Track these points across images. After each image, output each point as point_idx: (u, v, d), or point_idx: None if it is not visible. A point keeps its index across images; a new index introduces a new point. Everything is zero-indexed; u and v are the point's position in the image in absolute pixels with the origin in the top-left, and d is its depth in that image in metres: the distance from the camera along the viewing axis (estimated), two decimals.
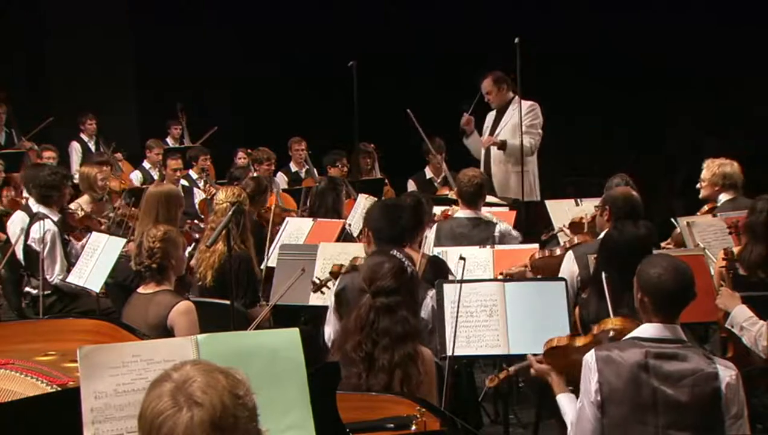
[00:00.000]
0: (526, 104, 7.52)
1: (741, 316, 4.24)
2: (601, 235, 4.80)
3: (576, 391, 3.40)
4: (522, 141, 7.34)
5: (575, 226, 5.80)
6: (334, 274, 4.63)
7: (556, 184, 8.66)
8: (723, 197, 6.04)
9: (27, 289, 6.27)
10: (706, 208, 6.10)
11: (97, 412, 2.42)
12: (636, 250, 4.02)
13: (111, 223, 6.96)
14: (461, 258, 4.25)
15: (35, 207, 6.35)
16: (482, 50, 9.56)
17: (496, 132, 7.65)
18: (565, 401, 3.51)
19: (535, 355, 3.73)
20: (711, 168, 6.12)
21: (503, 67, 7.69)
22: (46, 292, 6.18)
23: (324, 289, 4.78)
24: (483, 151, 7.76)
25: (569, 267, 4.80)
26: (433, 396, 3.64)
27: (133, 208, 7.23)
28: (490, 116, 7.82)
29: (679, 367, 3.16)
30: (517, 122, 7.39)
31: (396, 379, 3.51)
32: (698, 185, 6.25)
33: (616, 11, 10.29)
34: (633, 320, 3.48)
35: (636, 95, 10.23)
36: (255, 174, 8.68)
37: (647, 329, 3.27)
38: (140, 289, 4.36)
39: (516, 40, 7.11)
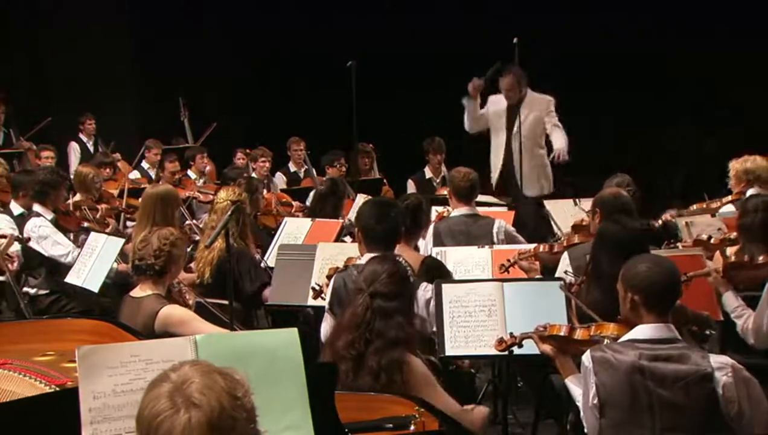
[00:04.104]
0: (545, 98, 7.65)
1: (729, 304, 4.31)
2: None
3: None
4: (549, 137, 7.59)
5: (577, 229, 5.78)
6: (331, 278, 4.63)
7: (555, 184, 8.64)
8: (750, 192, 6.03)
9: (25, 288, 6.27)
10: (730, 198, 6.17)
11: (96, 412, 2.42)
12: (636, 243, 4.05)
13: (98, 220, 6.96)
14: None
15: (17, 209, 6.38)
16: (482, 50, 9.55)
17: (515, 128, 7.64)
18: (572, 386, 3.50)
19: (535, 354, 3.73)
20: (735, 165, 6.20)
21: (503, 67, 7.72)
22: (44, 292, 6.20)
23: (323, 295, 4.78)
24: (504, 146, 7.76)
25: (564, 269, 4.80)
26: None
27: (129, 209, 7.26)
28: (501, 104, 7.78)
29: (675, 369, 3.15)
30: (538, 116, 7.57)
31: (380, 384, 3.50)
32: (729, 184, 6.32)
33: (616, 11, 10.29)
34: (629, 328, 3.47)
35: (636, 95, 10.23)
36: (252, 172, 8.71)
37: (642, 330, 3.26)
38: (132, 293, 4.33)
39: (515, 40, 7.12)
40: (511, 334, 3.81)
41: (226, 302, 4.65)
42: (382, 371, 3.51)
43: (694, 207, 6.22)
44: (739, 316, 4.26)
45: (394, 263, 3.81)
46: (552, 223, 6.35)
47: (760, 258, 4.32)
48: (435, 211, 6.23)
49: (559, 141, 7.53)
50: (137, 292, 4.28)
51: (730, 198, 6.13)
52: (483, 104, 7.90)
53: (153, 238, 4.28)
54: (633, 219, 4.44)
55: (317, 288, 4.82)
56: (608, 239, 4.26)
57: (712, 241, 5.04)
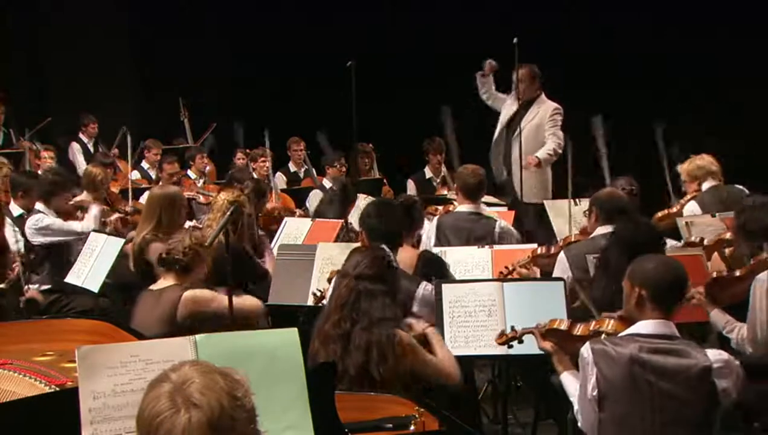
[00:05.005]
0: (552, 105, 7.48)
1: (718, 322, 4.33)
2: (596, 233, 4.84)
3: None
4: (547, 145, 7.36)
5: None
6: (331, 281, 4.65)
7: (555, 185, 8.65)
8: (705, 186, 6.25)
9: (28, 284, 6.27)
10: (688, 196, 6.32)
11: (96, 412, 2.42)
12: (649, 243, 4.08)
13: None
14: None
15: (17, 210, 6.39)
16: (482, 50, 9.55)
17: (518, 128, 7.46)
18: (568, 380, 3.53)
19: (535, 354, 3.74)
20: (684, 168, 6.45)
21: (503, 67, 7.70)
22: (45, 287, 6.19)
23: (324, 302, 4.79)
24: (502, 152, 7.62)
25: (562, 270, 4.80)
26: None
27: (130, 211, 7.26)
28: (511, 103, 7.61)
29: (674, 362, 3.18)
30: (541, 123, 7.41)
31: (372, 360, 3.56)
32: (683, 188, 6.50)
33: (616, 11, 10.28)
34: (628, 325, 3.48)
35: (636, 94, 10.22)
36: (253, 172, 8.69)
37: (643, 325, 3.29)
38: (152, 286, 4.40)
39: (515, 40, 7.11)
40: (512, 327, 3.83)
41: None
42: (374, 346, 3.57)
43: (659, 214, 6.30)
44: (731, 330, 4.29)
45: (376, 250, 3.92)
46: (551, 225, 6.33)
47: (738, 272, 4.35)
48: (438, 210, 6.26)
49: (543, 150, 7.28)
50: (158, 284, 4.36)
51: (689, 197, 6.30)
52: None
53: (186, 237, 4.45)
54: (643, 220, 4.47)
55: (318, 294, 4.82)
56: (623, 239, 4.29)
57: (705, 242, 5.08)
